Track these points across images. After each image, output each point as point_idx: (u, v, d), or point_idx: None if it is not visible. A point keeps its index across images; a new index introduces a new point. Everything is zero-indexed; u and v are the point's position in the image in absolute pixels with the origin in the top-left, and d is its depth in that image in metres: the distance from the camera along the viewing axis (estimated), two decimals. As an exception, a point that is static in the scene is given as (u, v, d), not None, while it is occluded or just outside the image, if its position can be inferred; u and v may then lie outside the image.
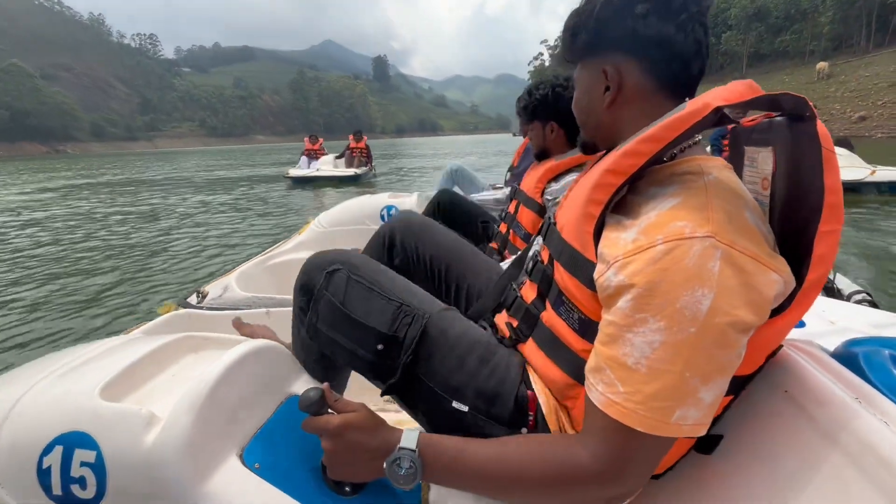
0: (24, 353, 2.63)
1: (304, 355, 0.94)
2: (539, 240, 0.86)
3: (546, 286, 0.74)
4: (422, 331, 0.78)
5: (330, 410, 0.67)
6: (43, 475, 0.67)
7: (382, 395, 0.80)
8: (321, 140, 12.74)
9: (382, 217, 2.56)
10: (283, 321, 1.57)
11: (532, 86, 1.64)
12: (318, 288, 0.85)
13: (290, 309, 1.58)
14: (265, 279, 2.09)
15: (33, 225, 6.92)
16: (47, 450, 0.68)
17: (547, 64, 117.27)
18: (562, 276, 0.68)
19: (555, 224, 0.76)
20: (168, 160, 35.12)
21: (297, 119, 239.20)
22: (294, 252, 2.31)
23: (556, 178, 1.55)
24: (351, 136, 11.77)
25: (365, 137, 11.86)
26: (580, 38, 0.71)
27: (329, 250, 0.93)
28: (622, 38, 0.66)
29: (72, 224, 6.89)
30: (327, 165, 11.41)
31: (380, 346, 0.78)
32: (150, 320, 1.54)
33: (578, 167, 1.53)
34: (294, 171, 11.16)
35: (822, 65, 37.96)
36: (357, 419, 0.65)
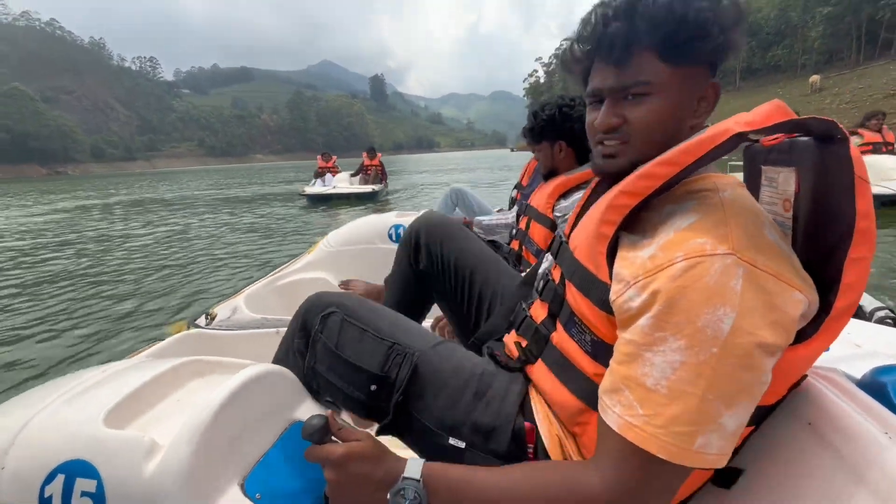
0: (37, 372, 2.63)
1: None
2: (549, 257, 0.85)
3: (557, 306, 0.72)
4: (413, 369, 0.78)
5: (334, 438, 0.66)
6: (44, 504, 0.66)
7: (377, 434, 0.79)
8: (334, 157, 12.29)
9: (391, 236, 2.54)
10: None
11: (537, 108, 1.64)
12: (314, 331, 0.86)
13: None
14: (274, 300, 2.08)
15: (47, 246, 6.89)
16: (49, 478, 0.67)
17: (542, 80, 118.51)
18: (574, 296, 0.67)
19: (566, 242, 0.74)
20: (174, 179, 35.15)
21: (295, 138, 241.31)
22: (303, 272, 2.30)
23: (565, 195, 1.55)
24: (364, 154, 11.50)
25: (379, 154, 11.50)
26: (712, 39, 0.60)
27: (326, 292, 0.94)
28: (731, 49, 0.62)
29: (86, 245, 6.86)
30: (343, 183, 11.18)
31: (373, 387, 0.79)
32: (162, 340, 1.54)
33: (588, 183, 1.53)
34: (310, 189, 10.85)
35: (814, 78, 38.47)
36: (361, 449, 0.63)
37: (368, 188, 10.47)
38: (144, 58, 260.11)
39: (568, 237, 0.76)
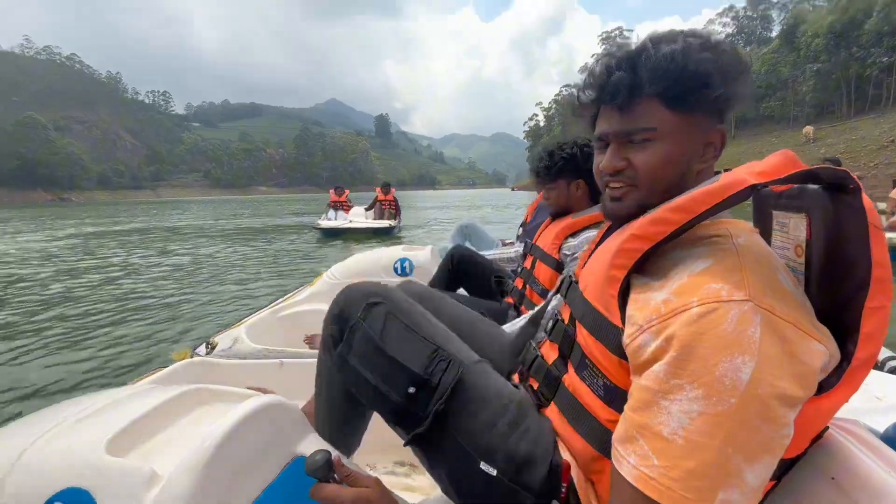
0: (39, 396, 2.60)
1: (327, 392, 0.89)
2: (558, 297, 0.83)
3: (568, 347, 0.70)
4: (458, 379, 0.73)
5: (335, 476, 0.65)
6: (39, 534, 0.64)
7: (406, 444, 0.75)
8: (347, 192, 12.12)
9: (396, 269, 2.53)
10: (295, 374, 1.54)
11: (553, 147, 1.67)
12: (356, 318, 0.80)
13: (302, 361, 1.57)
14: (276, 330, 2.06)
15: (58, 273, 6.88)
16: None
17: (541, 124, 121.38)
18: (585, 338, 0.65)
19: (576, 282, 0.73)
20: (182, 209, 35.34)
21: (300, 172, 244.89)
22: (306, 304, 2.28)
23: (573, 235, 1.56)
24: (378, 189, 11.46)
25: (393, 190, 11.49)
26: (714, 89, 0.62)
27: (368, 282, 0.88)
28: (735, 98, 0.64)
29: (96, 271, 6.86)
30: (359, 217, 11.10)
31: (411, 389, 0.73)
32: (166, 367, 1.52)
33: (596, 225, 1.53)
34: (325, 223, 10.77)
35: (808, 129, 39.50)
36: (369, 496, 0.62)
37: (385, 223, 10.39)
38: (158, 92, 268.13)
39: (578, 276, 0.76)
